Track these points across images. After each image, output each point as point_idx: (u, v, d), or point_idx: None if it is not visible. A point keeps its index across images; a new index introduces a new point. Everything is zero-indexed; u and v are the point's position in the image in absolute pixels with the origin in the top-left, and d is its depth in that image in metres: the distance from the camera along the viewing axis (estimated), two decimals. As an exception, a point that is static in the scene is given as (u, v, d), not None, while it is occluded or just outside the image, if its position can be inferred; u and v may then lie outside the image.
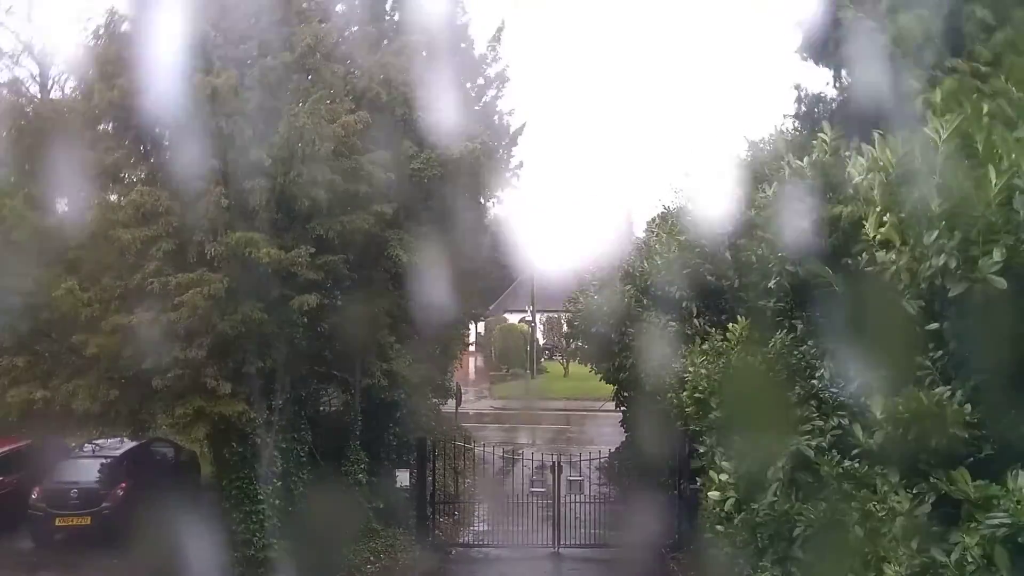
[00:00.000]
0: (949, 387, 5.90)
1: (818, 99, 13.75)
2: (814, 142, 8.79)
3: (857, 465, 6.50)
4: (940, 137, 5.84)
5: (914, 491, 5.80)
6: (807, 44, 12.68)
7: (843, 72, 12.67)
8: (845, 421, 7.21)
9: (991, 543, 5.04)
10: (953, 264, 5.60)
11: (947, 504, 5.59)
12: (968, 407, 5.72)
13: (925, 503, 5.70)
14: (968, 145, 5.77)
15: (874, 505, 6.04)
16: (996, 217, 5.44)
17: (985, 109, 5.81)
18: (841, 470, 6.65)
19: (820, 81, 14.31)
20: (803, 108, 13.85)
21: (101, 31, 13.62)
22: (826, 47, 12.26)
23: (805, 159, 8.51)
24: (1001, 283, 5.34)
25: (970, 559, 5.07)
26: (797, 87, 13.95)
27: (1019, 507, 5.03)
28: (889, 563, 5.63)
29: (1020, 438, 5.56)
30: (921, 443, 5.79)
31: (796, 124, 13.85)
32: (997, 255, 5.36)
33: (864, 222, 6.82)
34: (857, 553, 6.03)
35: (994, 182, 5.41)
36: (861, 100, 10.10)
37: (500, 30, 17.63)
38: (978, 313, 5.64)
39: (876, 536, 5.90)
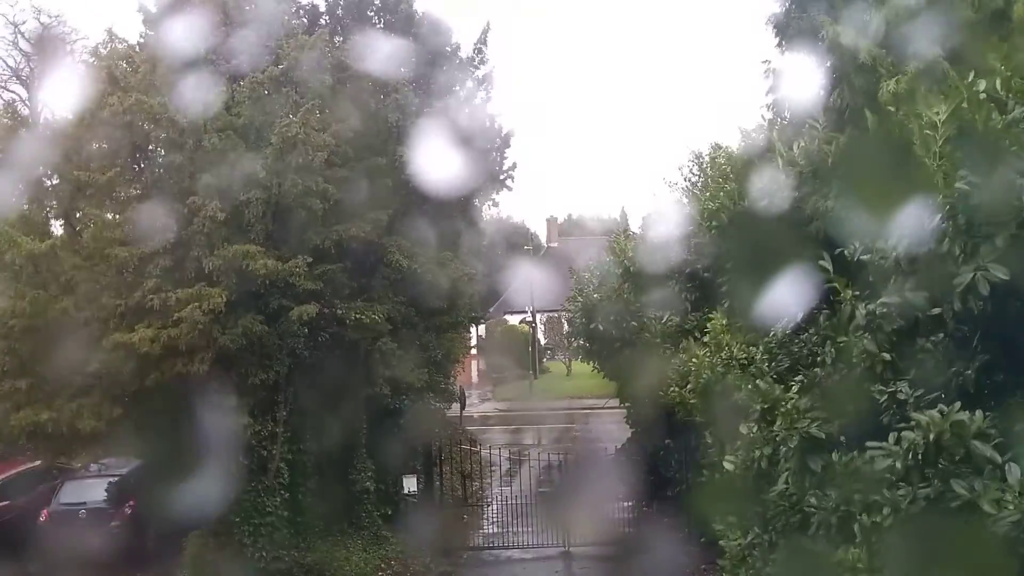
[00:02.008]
0: (952, 388, 5.84)
1: (800, 84, 13.70)
2: (803, 129, 8.78)
3: (867, 458, 6.43)
4: (939, 120, 5.80)
5: (917, 488, 5.77)
6: (786, 37, 12.72)
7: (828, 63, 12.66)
8: (850, 408, 7.20)
9: (998, 541, 5.01)
10: (957, 251, 5.58)
11: (949, 499, 5.56)
12: (980, 414, 5.63)
13: (924, 500, 5.66)
14: (967, 129, 5.72)
15: (877, 498, 6.02)
16: (997, 204, 5.42)
17: (983, 86, 5.77)
18: (853, 467, 6.60)
19: (798, 64, 14.31)
20: (782, 95, 13.80)
21: (98, 51, 13.68)
22: (808, 41, 12.28)
23: (795, 146, 8.49)
24: (1004, 272, 5.32)
25: (973, 558, 5.05)
26: (771, 70, 13.89)
27: (1018, 501, 5.00)
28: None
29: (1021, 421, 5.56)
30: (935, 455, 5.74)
31: (781, 110, 13.84)
32: (999, 243, 5.34)
33: (854, 210, 6.80)
34: (865, 543, 6.02)
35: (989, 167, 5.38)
36: (848, 87, 10.10)
37: (486, 32, 17.61)
38: (981, 298, 5.62)
39: (881, 528, 5.88)
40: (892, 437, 5.90)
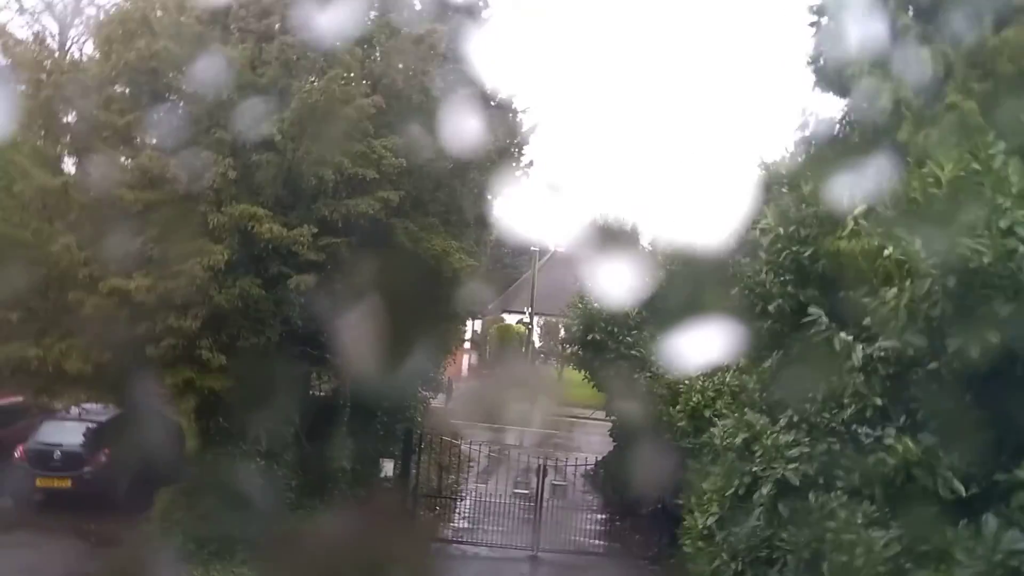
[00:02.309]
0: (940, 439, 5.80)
1: (828, 123, 13.64)
2: (820, 167, 8.72)
3: (843, 499, 6.38)
4: (943, 176, 5.75)
5: (890, 529, 5.73)
6: (820, 77, 12.65)
7: (851, 102, 12.59)
8: (836, 447, 7.14)
9: None
10: (950, 312, 5.54)
11: (922, 543, 5.52)
12: (957, 456, 5.63)
13: (896, 542, 5.62)
14: (972, 185, 5.67)
15: (849, 537, 5.97)
16: (995, 268, 5.37)
17: (997, 147, 5.71)
18: (826, 510, 6.54)
19: (830, 105, 14.21)
20: (811, 132, 13.75)
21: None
22: (837, 81, 12.19)
23: (808, 186, 8.42)
24: (995, 337, 5.29)
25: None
26: (804, 111, 13.84)
27: (990, 554, 4.97)
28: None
29: (1004, 480, 5.51)
30: (908, 487, 5.72)
31: (807, 146, 13.76)
32: (998, 308, 5.30)
33: (864, 258, 6.74)
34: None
35: (992, 231, 5.33)
36: (869, 130, 10.05)
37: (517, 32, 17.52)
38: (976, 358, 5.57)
39: (850, 568, 5.83)
40: (871, 459, 5.87)
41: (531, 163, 18.10)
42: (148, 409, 18.01)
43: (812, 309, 7.20)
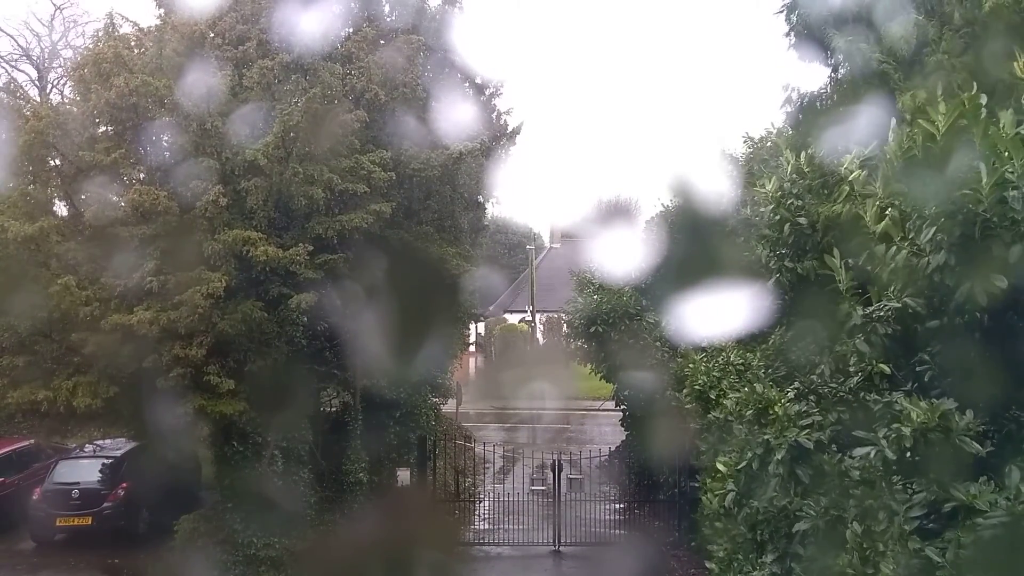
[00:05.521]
0: (951, 398, 5.85)
1: (812, 97, 13.69)
2: (810, 139, 8.78)
3: (856, 462, 6.44)
4: (938, 131, 5.83)
5: (911, 492, 5.79)
6: (800, 37, 12.65)
7: (838, 69, 12.62)
8: (845, 416, 7.20)
9: (986, 543, 5.01)
10: (953, 261, 5.59)
11: (945, 501, 5.57)
12: (971, 414, 5.67)
13: (920, 505, 5.67)
14: (966, 139, 5.75)
15: (871, 503, 6.02)
16: (992, 214, 5.44)
17: (984, 101, 5.79)
18: (842, 468, 6.61)
19: (813, 78, 14.25)
20: (795, 106, 13.80)
21: (99, 34, 13.74)
22: (820, 43, 12.20)
23: (802, 155, 8.47)
24: (1002, 281, 5.34)
25: (964, 558, 5.04)
26: (786, 87, 13.89)
27: (1016, 504, 5.01)
28: (887, 560, 5.62)
29: (1019, 430, 5.57)
30: (926, 455, 5.76)
31: (792, 122, 13.83)
32: (1000, 252, 5.34)
33: (864, 216, 6.81)
34: (856, 549, 6.02)
35: (985, 180, 5.40)
36: (855, 97, 10.07)
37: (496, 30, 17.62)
38: (980, 311, 5.63)
39: (873, 533, 5.88)
40: (882, 431, 5.93)
41: (520, 162, 18.20)
42: (163, 439, 18.08)
43: (827, 259, 7.24)
